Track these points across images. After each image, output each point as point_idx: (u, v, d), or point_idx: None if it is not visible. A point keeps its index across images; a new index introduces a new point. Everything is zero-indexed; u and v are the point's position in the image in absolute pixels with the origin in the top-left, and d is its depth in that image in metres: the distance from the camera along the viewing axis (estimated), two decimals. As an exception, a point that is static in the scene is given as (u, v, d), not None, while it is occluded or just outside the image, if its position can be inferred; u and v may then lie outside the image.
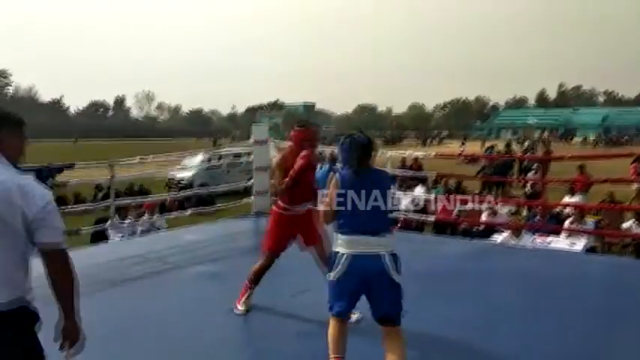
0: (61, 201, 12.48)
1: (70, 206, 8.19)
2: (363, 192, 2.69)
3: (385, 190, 2.74)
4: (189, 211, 7.84)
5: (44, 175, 7.48)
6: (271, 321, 3.83)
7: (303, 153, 3.57)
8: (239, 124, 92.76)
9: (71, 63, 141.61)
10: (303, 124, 3.77)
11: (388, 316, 2.69)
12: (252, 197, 7.81)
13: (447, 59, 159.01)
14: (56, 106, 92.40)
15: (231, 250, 6.00)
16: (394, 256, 2.69)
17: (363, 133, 2.81)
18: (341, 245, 2.68)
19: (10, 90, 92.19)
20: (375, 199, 2.69)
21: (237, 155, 15.66)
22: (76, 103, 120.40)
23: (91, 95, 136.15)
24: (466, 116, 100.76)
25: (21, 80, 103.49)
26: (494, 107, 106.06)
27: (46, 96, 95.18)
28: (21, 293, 1.93)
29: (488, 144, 29.95)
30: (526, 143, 35.75)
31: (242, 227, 7.20)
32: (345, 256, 2.66)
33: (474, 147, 38.60)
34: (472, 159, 17.90)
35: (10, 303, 1.86)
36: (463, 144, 39.35)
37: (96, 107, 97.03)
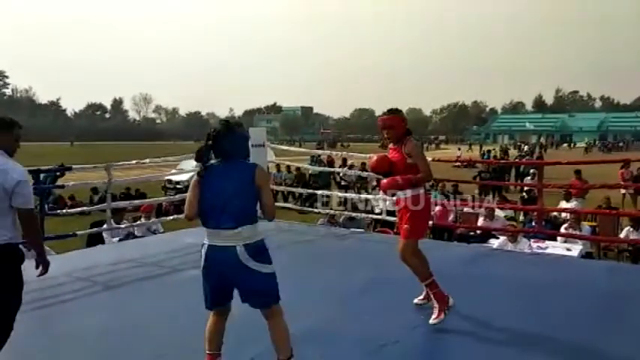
0: (57, 203, 12.49)
1: (65, 209, 8.16)
2: (224, 185, 2.70)
3: (243, 183, 2.72)
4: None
5: (46, 178, 7.48)
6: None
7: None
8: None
9: (68, 64, 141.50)
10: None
11: (253, 305, 2.81)
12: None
13: (445, 63, 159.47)
14: (54, 107, 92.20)
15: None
16: (252, 246, 2.70)
17: (229, 125, 2.78)
18: (205, 238, 2.77)
19: (8, 91, 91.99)
20: (235, 193, 2.69)
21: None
22: (73, 104, 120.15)
23: (88, 97, 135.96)
24: (463, 121, 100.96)
25: (18, 81, 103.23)
26: (492, 112, 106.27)
27: (43, 97, 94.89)
28: (10, 234, 2.85)
29: (485, 148, 30.02)
30: (525, 147, 35.92)
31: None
32: (204, 247, 2.74)
33: (470, 152, 38.73)
34: (469, 163, 18.00)
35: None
36: (471, 147, 39.47)
37: (94, 109, 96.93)
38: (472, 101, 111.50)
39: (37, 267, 3.12)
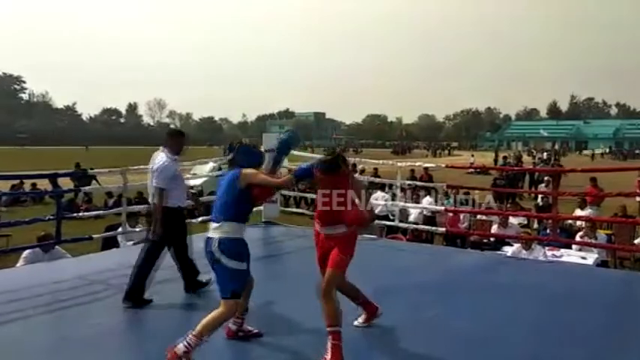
0: (71, 206, 12.62)
1: (81, 213, 8.25)
2: (221, 186, 3.28)
3: (228, 184, 3.21)
4: (199, 219, 7.87)
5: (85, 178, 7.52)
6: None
7: None
8: (249, 133, 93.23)
9: (84, 69, 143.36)
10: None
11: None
12: (262, 206, 7.83)
13: (458, 70, 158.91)
14: (70, 112, 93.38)
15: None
16: (227, 241, 3.08)
17: (244, 143, 3.46)
18: None
19: (25, 96, 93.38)
20: (223, 192, 3.22)
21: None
22: (89, 109, 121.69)
23: (103, 102, 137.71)
24: (476, 127, 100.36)
25: (35, 86, 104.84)
26: (506, 118, 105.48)
27: (59, 102, 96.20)
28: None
29: (502, 155, 29.83)
30: (544, 154, 35.60)
31: (251, 235, 7.16)
32: None
33: (483, 158, 38.47)
34: (482, 170, 17.85)
35: None
36: (481, 154, 39.19)
37: (109, 114, 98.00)
38: (485, 107, 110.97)
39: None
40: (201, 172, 15.81)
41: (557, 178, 6.73)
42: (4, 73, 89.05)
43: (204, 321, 3.03)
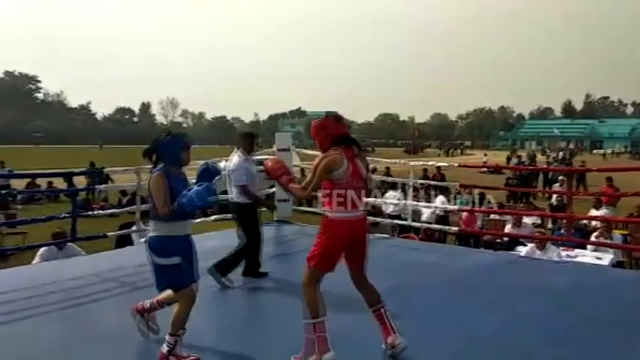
0: (85, 205, 12.76)
1: (96, 211, 8.32)
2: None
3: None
4: (212, 217, 7.92)
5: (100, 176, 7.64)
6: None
7: None
8: (261, 132, 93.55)
9: (98, 68, 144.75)
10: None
11: None
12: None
13: (471, 68, 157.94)
14: (84, 111, 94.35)
15: (254, 257, 6.02)
16: (151, 238, 3.15)
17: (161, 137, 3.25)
18: None
19: (40, 95, 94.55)
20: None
21: (260, 163, 15.75)
22: (103, 108, 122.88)
23: (117, 101, 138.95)
24: (489, 126, 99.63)
25: (50, 85, 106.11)
26: (519, 117, 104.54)
27: (74, 101, 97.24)
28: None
29: (516, 154, 29.62)
30: (560, 154, 35.25)
31: (265, 234, 7.23)
32: None
33: (496, 157, 38.17)
34: (495, 169, 17.74)
35: None
36: (492, 155, 38.96)
37: (122, 113, 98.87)
38: (499, 106, 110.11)
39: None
40: (213, 171, 15.93)
41: (581, 177, 6.65)
42: (20, 73, 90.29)
43: (172, 319, 3.15)
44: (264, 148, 10.47)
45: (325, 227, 3.09)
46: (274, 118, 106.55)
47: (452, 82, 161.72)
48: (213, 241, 6.61)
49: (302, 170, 16.09)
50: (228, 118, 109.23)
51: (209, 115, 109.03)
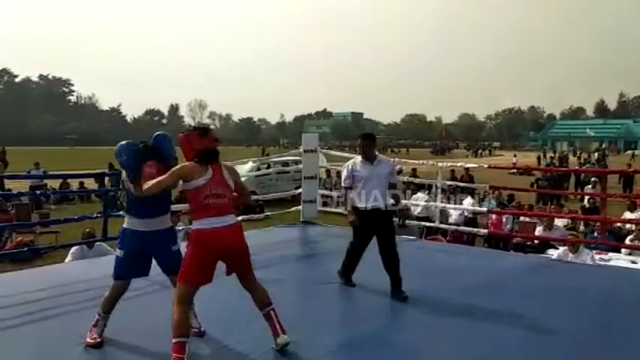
0: (114, 204, 13.01)
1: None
2: None
3: None
4: (239, 218, 7.97)
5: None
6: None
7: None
8: (287, 133, 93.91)
9: (129, 71, 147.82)
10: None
11: None
12: (301, 205, 7.86)
13: (500, 68, 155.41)
14: (115, 113, 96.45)
15: (282, 257, 6.06)
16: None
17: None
18: None
19: (73, 98, 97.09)
20: None
21: (285, 164, 15.82)
22: (132, 110, 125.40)
23: (146, 103, 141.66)
24: (519, 127, 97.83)
25: (82, 88, 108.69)
26: (550, 118, 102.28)
27: (105, 104, 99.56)
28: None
29: (548, 155, 29.01)
30: (595, 154, 34.39)
31: (290, 235, 7.27)
32: None
33: (526, 158, 37.43)
34: (525, 171, 17.37)
35: None
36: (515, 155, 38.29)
37: (151, 115, 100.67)
38: (529, 106, 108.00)
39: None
40: (240, 172, 16.07)
41: (629, 179, 6.47)
42: (54, 77, 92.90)
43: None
44: (289, 149, 10.51)
45: (190, 239, 3.12)
46: (300, 120, 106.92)
47: (480, 82, 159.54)
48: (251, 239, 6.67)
49: (328, 171, 16.21)
50: (255, 119, 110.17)
51: (236, 117, 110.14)
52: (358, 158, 4.56)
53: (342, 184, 4.64)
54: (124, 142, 3.34)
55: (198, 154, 3.11)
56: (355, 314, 4.22)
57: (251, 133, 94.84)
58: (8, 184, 15.63)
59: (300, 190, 7.94)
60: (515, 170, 20.38)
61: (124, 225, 3.46)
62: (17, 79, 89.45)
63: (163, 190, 3.17)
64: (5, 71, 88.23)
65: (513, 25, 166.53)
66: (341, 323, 3.96)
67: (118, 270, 3.47)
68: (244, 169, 16.30)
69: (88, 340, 3.39)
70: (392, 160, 5.41)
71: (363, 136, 4.67)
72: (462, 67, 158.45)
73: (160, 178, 3.11)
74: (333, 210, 9.09)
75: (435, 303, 4.31)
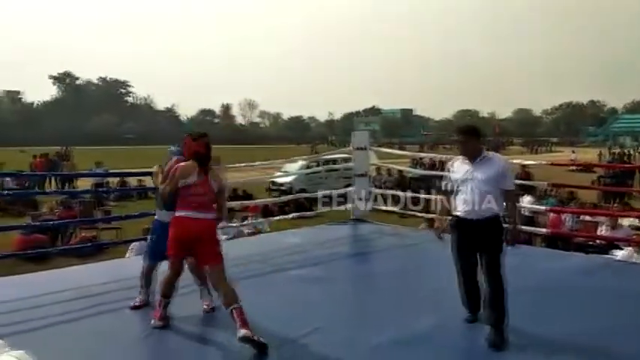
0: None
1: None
2: None
3: None
4: (291, 215, 8.06)
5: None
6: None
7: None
8: (336, 130, 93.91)
9: (183, 72, 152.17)
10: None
11: None
12: (352, 203, 7.84)
13: (557, 61, 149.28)
14: (169, 113, 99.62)
15: (333, 255, 6.07)
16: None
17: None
18: None
19: (130, 99, 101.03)
20: None
21: (335, 161, 15.84)
22: (186, 110, 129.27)
23: (199, 103, 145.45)
24: (578, 121, 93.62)
25: (139, 89, 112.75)
26: (612, 112, 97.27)
27: (160, 104, 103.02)
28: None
29: (613, 151, 27.60)
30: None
31: (341, 233, 7.27)
32: None
33: (586, 155, 35.80)
34: (587, 167, 16.60)
35: None
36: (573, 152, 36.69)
37: (204, 114, 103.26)
38: (588, 100, 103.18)
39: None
40: (291, 170, 16.23)
41: None
42: (111, 79, 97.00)
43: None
44: (338, 147, 10.49)
45: (171, 222, 3.69)
46: (349, 117, 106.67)
47: (536, 75, 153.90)
48: (295, 237, 6.73)
49: (378, 169, 16.09)
50: (304, 117, 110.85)
51: (285, 116, 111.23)
52: (460, 157, 3.80)
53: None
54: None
55: (191, 156, 3.67)
56: (406, 312, 4.15)
57: (300, 131, 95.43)
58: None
59: (351, 188, 7.92)
60: (574, 167, 19.55)
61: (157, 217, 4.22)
62: (78, 82, 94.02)
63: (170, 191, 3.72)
64: (68, 74, 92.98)
65: (571, 17, 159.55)
66: (391, 320, 3.91)
67: (147, 254, 4.27)
68: (294, 167, 16.47)
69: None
70: (507, 159, 4.27)
71: (456, 129, 3.89)
72: (517, 61, 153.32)
73: (169, 182, 3.72)
74: (384, 208, 9.01)
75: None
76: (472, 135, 3.70)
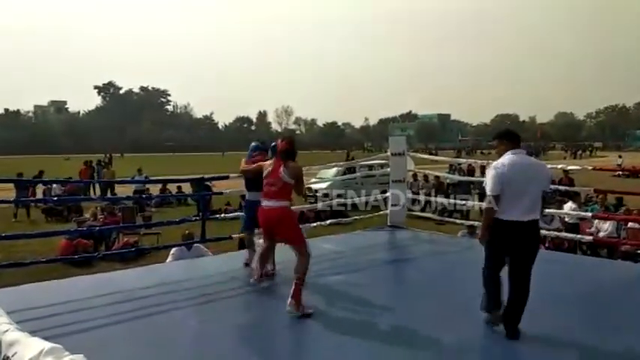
0: (214, 209, 13.66)
1: (222, 215, 8.83)
2: None
3: None
4: (328, 222, 8.07)
5: (203, 182, 8.21)
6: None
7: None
8: (371, 136, 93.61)
9: (219, 81, 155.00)
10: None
11: None
12: (388, 210, 7.79)
13: (600, 62, 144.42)
14: (207, 121, 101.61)
15: (370, 262, 6.04)
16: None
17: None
18: None
19: (170, 107, 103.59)
20: None
21: (371, 167, 15.75)
22: (224, 118, 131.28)
23: (236, 111, 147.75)
24: (623, 125, 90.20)
25: (179, 98, 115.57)
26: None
27: (199, 112, 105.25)
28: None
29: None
30: None
31: (378, 239, 7.23)
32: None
33: (635, 160, 34.45)
34: (633, 173, 15.94)
35: None
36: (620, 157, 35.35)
37: (241, 122, 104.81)
38: (635, 102, 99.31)
39: None
40: (326, 177, 16.25)
41: None
42: (152, 88, 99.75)
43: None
44: (374, 152, 10.42)
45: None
46: (384, 123, 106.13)
47: (578, 78, 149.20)
48: (330, 244, 6.72)
49: (414, 175, 15.95)
50: (339, 123, 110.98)
51: (320, 122, 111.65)
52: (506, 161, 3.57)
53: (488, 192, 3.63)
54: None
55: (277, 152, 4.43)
56: (446, 320, 4.09)
57: (335, 137, 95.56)
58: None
59: (387, 194, 7.87)
60: (620, 172, 18.82)
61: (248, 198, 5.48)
62: (121, 91, 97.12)
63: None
64: (111, 84, 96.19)
65: (612, 17, 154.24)
66: (433, 327, 3.86)
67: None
68: (330, 173, 16.48)
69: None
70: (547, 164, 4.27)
71: (495, 135, 3.82)
72: (558, 64, 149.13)
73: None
74: (420, 214, 8.92)
75: (531, 315, 4.05)
76: (510, 139, 3.67)
